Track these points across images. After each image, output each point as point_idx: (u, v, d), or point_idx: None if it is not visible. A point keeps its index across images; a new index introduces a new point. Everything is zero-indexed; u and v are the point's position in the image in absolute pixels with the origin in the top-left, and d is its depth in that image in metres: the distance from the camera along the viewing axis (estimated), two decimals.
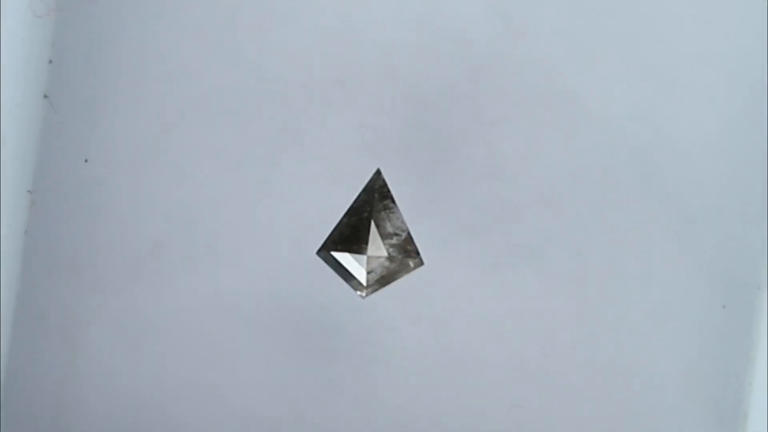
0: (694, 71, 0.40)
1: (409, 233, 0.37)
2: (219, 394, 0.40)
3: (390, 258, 0.37)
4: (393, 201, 0.37)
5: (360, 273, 0.37)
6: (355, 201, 0.37)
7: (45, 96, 0.39)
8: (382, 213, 0.37)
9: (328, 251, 0.37)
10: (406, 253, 0.37)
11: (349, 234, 0.37)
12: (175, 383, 0.40)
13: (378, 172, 0.37)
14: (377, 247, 0.37)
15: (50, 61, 0.39)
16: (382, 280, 0.37)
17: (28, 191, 0.39)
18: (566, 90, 0.40)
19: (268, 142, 0.40)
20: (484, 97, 0.40)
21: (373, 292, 0.37)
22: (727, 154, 0.40)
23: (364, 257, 0.37)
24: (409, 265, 0.37)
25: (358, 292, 0.37)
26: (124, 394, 0.40)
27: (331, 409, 0.40)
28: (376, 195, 0.37)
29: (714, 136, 0.40)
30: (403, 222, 0.37)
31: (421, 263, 0.37)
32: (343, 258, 0.37)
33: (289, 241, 0.40)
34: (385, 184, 0.37)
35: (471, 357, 0.40)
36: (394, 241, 0.37)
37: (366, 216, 0.37)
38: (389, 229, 0.37)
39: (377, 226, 0.37)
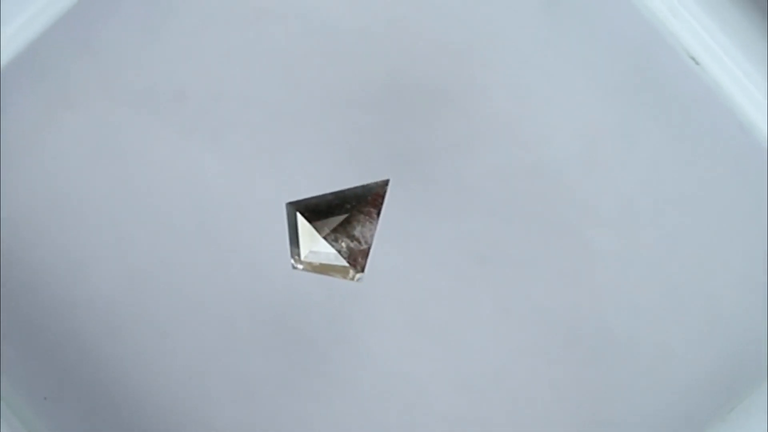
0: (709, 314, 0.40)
1: (369, 249, 0.37)
2: (130, 263, 0.40)
3: (337, 255, 0.37)
4: (378, 214, 0.37)
5: (305, 246, 0.37)
6: (349, 189, 0.37)
7: None
8: (362, 216, 0.37)
9: (296, 209, 0.37)
10: (354, 262, 0.37)
11: (323, 211, 0.37)
12: (100, 222, 0.40)
13: (386, 183, 0.37)
14: (335, 239, 0.37)
15: None
16: (317, 267, 0.37)
17: None
18: (592, 248, 0.40)
19: (314, 89, 0.40)
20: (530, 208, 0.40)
21: (303, 270, 0.37)
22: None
23: (318, 238, 0.37)
24: (348, 272, 0.37)
25: (291, 260, 0.37)
26: (53, 207, 0.41)
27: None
28: (369, 197, 0.37)
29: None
30: (372, 236, 0.37)
31: (358, 279, 0.37)
32: (303, 224, 0.37)
33: (276, 180, 0.40)
34: (383, 196, 0.37)
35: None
36: (353, 245, 0.37)
37: (348, 208, 0.37)
38: (356, 233, 0.37)
39: (349, 222, 0.37)
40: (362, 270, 0.37)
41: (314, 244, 0.37)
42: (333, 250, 0.37)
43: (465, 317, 0.41)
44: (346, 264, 0.37)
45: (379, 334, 0.41)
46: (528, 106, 0.41)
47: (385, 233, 0.39)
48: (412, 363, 0.40)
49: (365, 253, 0.37)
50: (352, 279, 0.37)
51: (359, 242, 0.37)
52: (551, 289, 0.40)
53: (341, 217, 0.37)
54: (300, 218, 0.37)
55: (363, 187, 0.37)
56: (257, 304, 0.41)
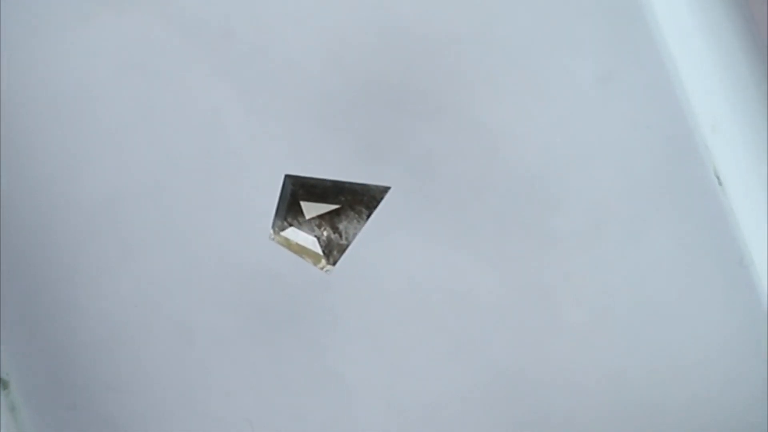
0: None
1: (347, 246, 0.37)
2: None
3: (315, 242, 0.37)
4: (368, 216, 0.37)
5: (288, 222, 0.37)
6: (350, 183, 0.37)
7: None
8: (352, 213, 0.37)
9: (292, 184, 0.37)
10: (329, 253, 0.37)
11: (318, 195, 0.37)
12: (101, 129, 0.41)
13: (386, 189, 0.37)
14: (318, 225, 0.37)
15: None
16: (292, 245, 0.37)
17: None
18: (561, 320, 0.40)
19: (357, 78, 0.40)
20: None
21: (278, 243, 0.37)
22: None
23: (304, 218, 0.37)
24: (320, 260, 0.37)
25: (270, 231, 0.37)
26: (63, 99, 0.41)
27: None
28: (365, 198, 0.37)
29: None
30: (355, 235, 0.37)
31: (327, 271, 0.37)
32: (293, 201, 0.37)
33: (286, 150, 0.40)
34: (379, 201, 0.37)
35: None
36: (333, 237, 0.37)
37: (342, 200, 0.37)
38: (341, 227, 0.37)
39: (337, 214, 0.37)
40: (334, 263, 0.37)
41: (298, 222, 0.37)
42: (312, 235, 0.37)
43: (416, 344, 0.40)
44: (320, 252, 0.37)
45: (328, 329, 0.41)
46: (549, 165, 0.40)
47: (368, 236, 0.39)
48: (350, 367, 0.40)
49: (342, 249, 0.37)
50: (322, 268, 0.37)
51: (340, 236, 0.37)
52: (509, 346, 0.40)
53: (332, 207, 0.37)
54: (293, 194, 0.37)
55: (363, 185, 0.37)
56: (227, 260, 0.41)
